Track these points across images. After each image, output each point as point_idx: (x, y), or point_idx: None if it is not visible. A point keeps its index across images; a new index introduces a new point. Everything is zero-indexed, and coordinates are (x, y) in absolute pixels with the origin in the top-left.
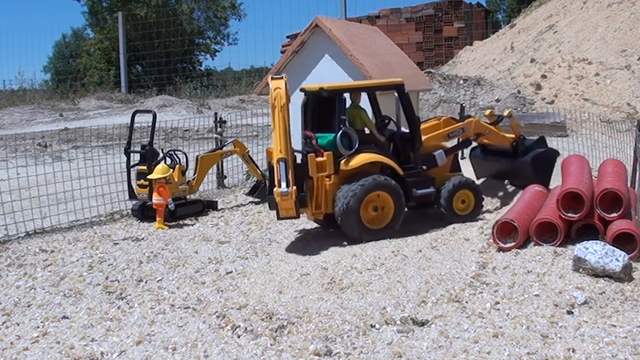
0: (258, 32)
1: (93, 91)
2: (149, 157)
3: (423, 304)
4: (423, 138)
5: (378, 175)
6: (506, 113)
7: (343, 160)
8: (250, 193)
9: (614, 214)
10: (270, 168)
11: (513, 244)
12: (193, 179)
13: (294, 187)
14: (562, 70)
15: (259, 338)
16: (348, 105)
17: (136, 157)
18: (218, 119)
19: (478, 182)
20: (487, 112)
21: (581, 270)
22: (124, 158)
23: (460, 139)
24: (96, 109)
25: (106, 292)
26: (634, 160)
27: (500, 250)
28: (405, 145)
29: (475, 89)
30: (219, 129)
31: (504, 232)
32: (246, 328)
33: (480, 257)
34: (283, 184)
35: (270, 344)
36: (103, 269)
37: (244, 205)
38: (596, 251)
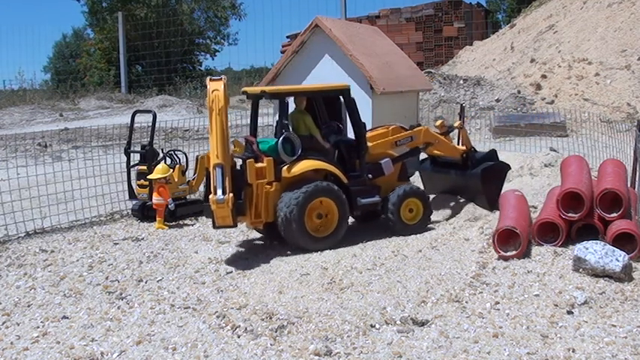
0: (258, 32)
1: (93, 91)
2: (149, 157)
3: (423, 304)
4: (370, 145)
5: (321, 181)
6: (456, 124)
7: (285, 167)
8: None
9: (614, 214)
10: (207, 174)
11: (515, 252)
12: (193, 179)
13: (231, 195)
14: (562, 70)
15: (259, 338)
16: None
17: (136, 157)
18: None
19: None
20: (438, 122)
21: (581, 270)
22: (124, 158)
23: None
24: (96, 109)
25: (106, 292)
26: (634, 160)
27: (501, 258)
28: (350, 153)
29: (475, 89)
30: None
31: (502, 239)
32: (246, 328)
33: (479, 257)
34: (219, 192)
35: (270, 344)
36: (103, 269)
37: None
38: (596, 251)
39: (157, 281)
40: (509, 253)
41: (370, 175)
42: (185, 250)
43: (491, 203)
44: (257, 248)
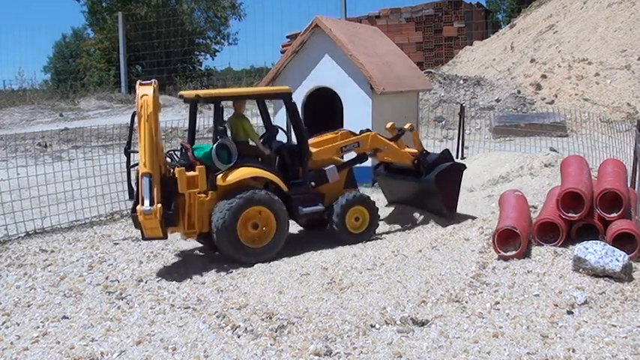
0: (258, 32)
1: (93, 91)
2: None
3: (423, 304)
4: (313, 151)
5: (259, 190)
6: (407, 127)
7: (220, 175)
8: None
9: (614, 214)
10: (137, 183)
11: (515, 252)
12: None
13: (159, 205)
14: (562, 70)
15: (259, 338)
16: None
17: (136, 157)
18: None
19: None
20: (388, 125)
21: (581, 270)
22: (124, 158)
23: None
24: (96, 109)
25: (106, 292)
26: (634, 160)
27: (501, 258)
28: (293, 159)
29: (475, 89)
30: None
31: (502, 239)
32: (246, 328)
33: (480, 257)
34: (146, 202)
35: (270, 344)
36: (103, 269)
37: None
38: (596, 251)
39: (157, 281)
40: (509, 253)
41: (313, 183)
42: (185, 250)
43: (449, 208)
44: None
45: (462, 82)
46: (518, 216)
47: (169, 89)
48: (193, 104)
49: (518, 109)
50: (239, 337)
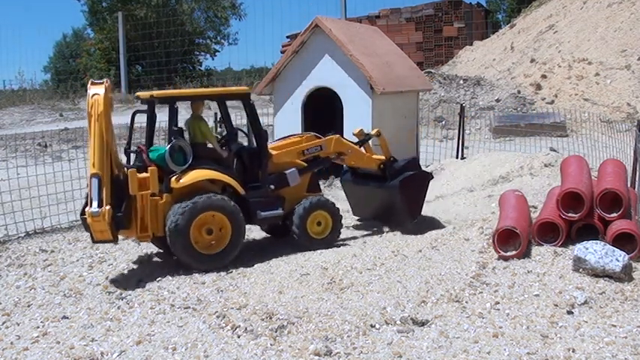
0: (258, 32)
1: None
2: None
3: (423, 304)
4: (273, 154)
5: (214, 194)
6: (373, 132)
7: (174, 177)
8: None
9: (614, 214)
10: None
11: (515, 252)
12: None
13: (108, 207)
14: (562, 70)
15: (259, 338)
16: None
17: None
18: (218, 119)
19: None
20: (355, 130)
21: (581, 270)
22: (124, 158)
23: (320, 157)
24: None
25: (106, 292)
26: (634, 160)
27: (501, 258)
28: (252, 162)
29: (475, 89)
30: (219, 129)
31: (502, 239)
32: (246, 328)
33: (480, 257)
34: (95, 204)
35: (270, 344)
36: (103, 269)
37: None
38: (596, 251)
39: (157, 281)
40: (509, 253)
41: (273, 186)
42: None
43: (412, 215)
44: (257, 248)
45: (462, 82)
46: (518, 216)
47: (169, 89)
48: (151, 105)
49: (518, 109)
50: (239, 337)
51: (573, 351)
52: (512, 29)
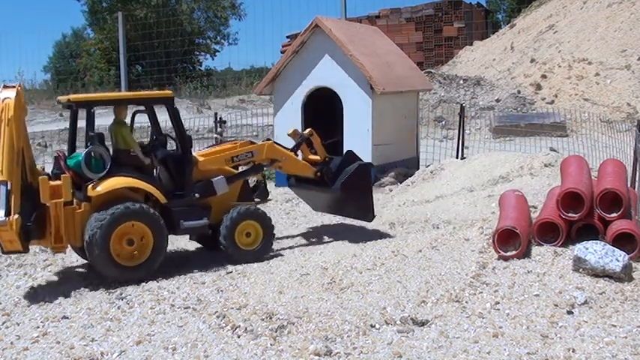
0: (258, 32)
1: (93, 91)
2: None
3: (423, 304)
4: (200, 161)
5: (133, 203)
6: (306, 132)
7: (90, 185)
8: None
9: (614, 214)
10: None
11: (515, 252)
12: None
13: (16, 217)
14: (562, 70)
15: (259, 338)
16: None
17: None
18: (218, 119)
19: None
20: (290, 131)
21: (581, 270)
22: None
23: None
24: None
25: (106, 292)
26: (634, 160)
27: (501, 258)
28: (178, 169)
29: (475, 89)
30: (219, 129)
31: (502, 239)
32: (246, 328)
33: (480, 257)
34: (1, 212)
35: (270, 344)
36: None
37: None
38: (596, 251)
39: (157, 281)
40: (509, 253)
41: (198, 195)
42: (185, 249)
43: (365, 212)
44: None
45: (462, 82)
46: (518, 216)
47: (169, 89)
48: (74, 109)
49: (518, 109)
50: (239, 337)
51: (573, 351)
52: (512, 29)
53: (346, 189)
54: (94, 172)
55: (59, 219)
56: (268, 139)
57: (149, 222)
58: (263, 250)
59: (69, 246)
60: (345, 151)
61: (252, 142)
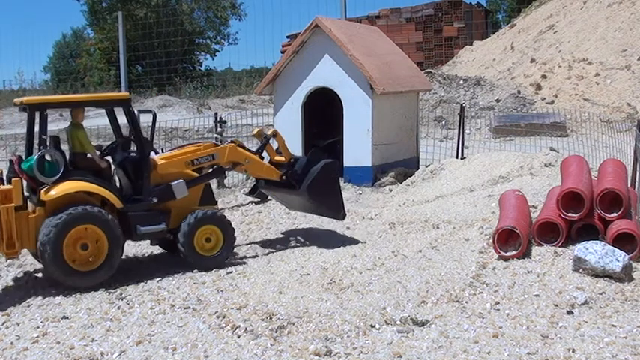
0: (258, 32)
1: (93, 91)
2: None
3: (423, 304)
4: (159, 164)
5: (84, 207)
6: (270, 132)
7: (44, 190)
8: (250, 193)
9: (614, 214)
10: None
11: (515, 252)
12: None
13: None
14: (562, 70)
15: (259, 338)
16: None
17: None
18: (218, 119)
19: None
20: (255, 130)
21: (581, 270)
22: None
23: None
24: (95, 109)
25: (106, 292)
26: (634, 160)
27: (501, 258)
28: (136, 173)
29: (475, 89)
30: (219, 129)
31: (502, 239)
32: (246, 328)
33: (480, 257)
34: None
35: (270, 344)
36: None
37: (244, 205)
38: (596, 251)
39: (157, 281)
40: (509, 253)
41: (156, 199)
42: None
43: (337, 210)
44: (257, 248)
45: (462, 82)
46: (518, 216)
47: (169, 89)
48: (31, 112)
49: (518, 109)
50: (239, 337)
51: (573, 351)
52: (512, 29)
53: (312, 191)
54: (48, 176)
55: (10, 224)
56: (232, 142)
57: (103, 226)
58: (224, 256)
59: (22, 252)
60: (309, 151)
61: (215, 145)
